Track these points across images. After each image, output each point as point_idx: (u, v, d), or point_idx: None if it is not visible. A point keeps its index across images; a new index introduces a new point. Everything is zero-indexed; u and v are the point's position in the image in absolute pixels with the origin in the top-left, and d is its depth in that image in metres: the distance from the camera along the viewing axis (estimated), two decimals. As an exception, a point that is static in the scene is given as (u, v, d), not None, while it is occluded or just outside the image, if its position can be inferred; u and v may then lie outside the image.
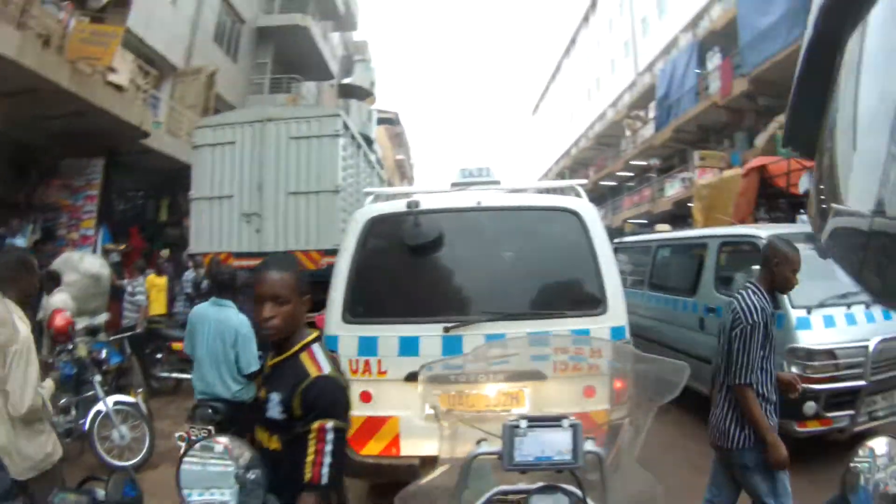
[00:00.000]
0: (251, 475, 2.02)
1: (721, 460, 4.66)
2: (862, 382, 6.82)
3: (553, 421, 2.09)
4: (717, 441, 4.68)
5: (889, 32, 0.93)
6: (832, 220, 1.18)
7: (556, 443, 2.06)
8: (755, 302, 4.43)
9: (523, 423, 2.07)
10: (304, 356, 2.97)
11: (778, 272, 4.56)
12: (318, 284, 8.50)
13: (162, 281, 13.90)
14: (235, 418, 6.34)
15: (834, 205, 1.12)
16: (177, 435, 6.32)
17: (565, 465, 2.06)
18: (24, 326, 4.26)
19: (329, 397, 2.81)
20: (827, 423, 6.86)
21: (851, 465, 2.05)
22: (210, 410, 6.37)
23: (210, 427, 6.09)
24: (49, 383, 4.78)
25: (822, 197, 1.23)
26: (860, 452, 2.07)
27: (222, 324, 6.57)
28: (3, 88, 12.43)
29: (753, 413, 4.37)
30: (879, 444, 2.09)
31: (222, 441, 2.06)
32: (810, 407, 6.75)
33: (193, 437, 5.94)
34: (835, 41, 1.17)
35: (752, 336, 4.33)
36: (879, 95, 0.94)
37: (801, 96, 1.46)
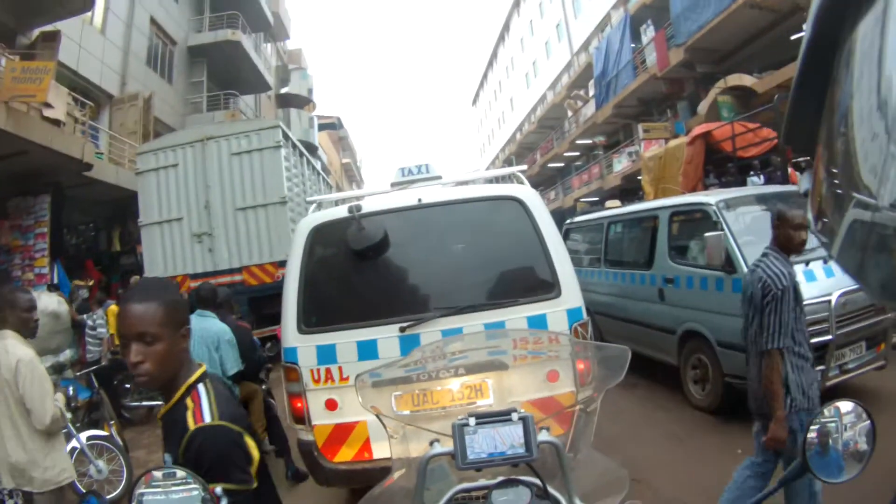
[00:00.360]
0: (213, 500, 1.99)
1: (765, 428, 4.67)
2: (829, 337, 6.87)
3: (502, 415, 2.09)
4: (758, 409, 4.72)
5: (889, 32, 0.95)
6: (851, 211, 1.19)
7: (507, 437, 2.06)
8: (780, 268, 4.47)
9: (472, 421, 2.07)
10: (188, 402, 2.39)
11: (781, 233, 4.61)
12: (275, 297, 8.59)
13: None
14: None
15: (853, 193, 1.13)
16: None
17: (519, 459, 2.06)
18: (24, 350, 4.83)
19: (212, 454, 2.26)
20: (797, 380, 6.90)
21: (811, 427, 2.07)
22: None
23: None
24: (60, 396, 5.12)
25: (831, 192, 1.25)
26: (825, 413, 2.09)
27: (206, 331, 6.88)
28: (-58, 136, 12.18)
29: (774, 381, 4.41)
30: (844, 406, 2.12)
31: (184, 469, 2.02)
32: (779, 367, 6.80)
33: None
34: (834, 41, 1.19)
35: (783, 301, 4.37)
36: (879, 95, 0.97)
37: (801, 96, 1.48)
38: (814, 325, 6.76)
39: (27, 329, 5.04)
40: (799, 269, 6.90)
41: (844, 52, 1.14)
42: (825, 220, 1.30)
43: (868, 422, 2.12)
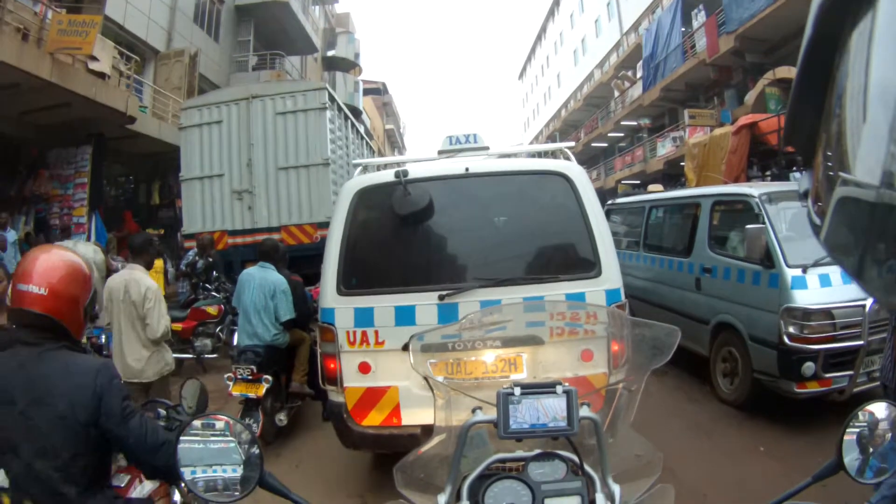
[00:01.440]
0: (254, 450, 1.99)
1: None
2: (860, 342, 6.72)
3: (547, 387, 2.05)
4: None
5: (889, 31, 0.91)
6: (829, 223, 1.16)
7: (550, 409, 2.03)
8: None
9: (517, 391, 2.04)
10: None
11: None
12: (313, 258, 8.69)
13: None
14: (272, 360, 7.59)
15: (842, 177, 1.10)
16: (225, 376, 7.30)
17: (560, 432, 2.03)
18: (150, 280, 6.69)
19: None
20: (826, 383, 6.82)
21: (848, 429, 2.03)
22: (252, 354, 7.37)
23: (252, 366, 7.15)
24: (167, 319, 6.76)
25: (829, 174, 1.21)
26: (859, 416, 2.05)
27: (265, 280, 7.69)
28: (-15, 85, 12.32)
29: None
30: (879, 409, 2.08)
31: (223, 418, 2.02)
32: (809, 368, 6.72)
33: (239, 376, 7.13)
34: (835, 40, 1.15)
35: None
36: (879, 95, 0.92)
37: (801, 96, 1.44)
38: (846, 330, 6.72)
39: (149, 266, 7.17)
40: (836, 271, 6.80)
41: (844, 52, 1.10)
42: (819, 216, 1.26)
43: None
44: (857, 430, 2.04)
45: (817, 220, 1.29)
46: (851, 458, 1.99)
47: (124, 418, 2.82)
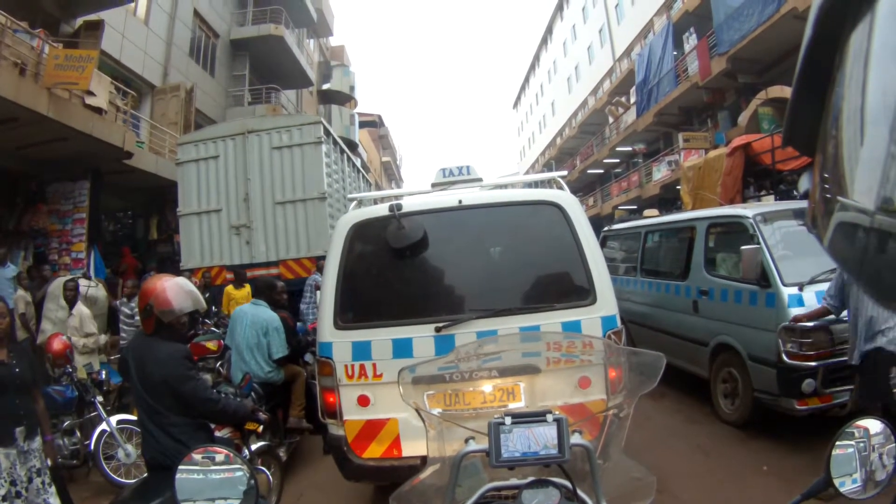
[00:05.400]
0: (251, 482, 2.01)
1: None
2: None
3: (538, 416, 2.08)
4: None
5: (889, 31, 0.94)
6: (837, 214, 1.18)
7: (542, 437, 2.06)
8: None
9: (508, 420, 2.07)
10: None
11: None
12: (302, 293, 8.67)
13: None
14: (269, 396, 7.60)
15: (840, 198, 1.12)
16: None
17: (552, 460, 2.07)
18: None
19: None
20: (826, 399, 6.82)
21: (837, 444, 2.04)
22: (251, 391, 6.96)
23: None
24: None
25: (826, 195, 1.24)
26: (850, 433, 2.06)
27: (257, 318, 7.72)
28: (-17, 120, 12.37)
29: None
30: (869, 425, 2.09)
31: (223, 450, 2.05)
32: (809, 384, 6.72)
33: None
34: (834, 41, 1.18)
35: None
36: (880, 95, 0.95)
37: (801, 96, 1.47)
38: (844, 345, 6.64)
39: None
40: None
41: (844, 51, 1.13)
42: (819, 216, 1.28)
43: (895, 441, 2.10)
44: (847, 445, 2.05)
45: (812, 230, 1.32)
46: (841, 473, 2.00)
47: (183, 382, 4.39)
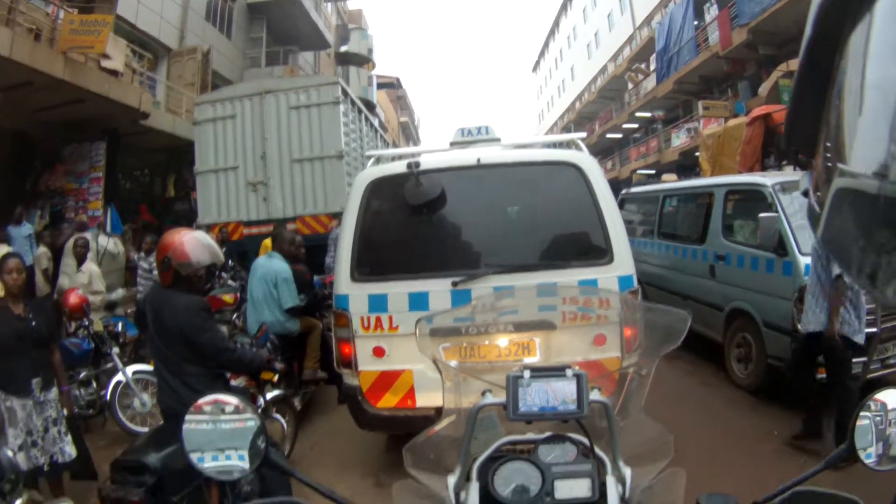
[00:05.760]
0: (260, 430, 1.98)
1: None
2: (874, 329, 6.66)
3: (557, 371, 2.05)
4: None
5: (889, 31, 0.93)
6: (830, 220, 1.18)
7: (560, 392, 2.02)
8: None
9: (527, 374, 2.03)
10: None
11: None
12: (326, 247, 8.76)
13: None
14: (285, 348, 7.59)
15: (840, 168, 1.12)
16: None
17: (570, 415, 2.03)
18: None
19: None
20: (839, 369, 6.78)
21: (861, 416, 2.02)
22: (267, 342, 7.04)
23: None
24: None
25: (819, 197, 1.23)
26: (871, 405, 2.03)
27: (268, 269, 7.86)
28: (-1, 84, 12.43)
29: None
30: (890, 397, 2.06)
31: (232, 399, 2.03)
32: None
33: None
34: (835, 40, 1.16)
35: None
36: (880, 94, 0.94)
37: (801, 96, 1.46)
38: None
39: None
40: None
41: (845, 51, 1.12)
42: (820, 206, 1.28)
43: None
44: (870, 417, 2.03)
45: (817, 209, 1.30)
46: (864, 444, 1.98)
47: (200, 332, 4.51)
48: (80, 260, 9.81)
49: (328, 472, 6.22)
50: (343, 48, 39.74)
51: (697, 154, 20.73)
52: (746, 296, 7.99)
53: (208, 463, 1.95)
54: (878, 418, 2.02)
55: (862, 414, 2.00)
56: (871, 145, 0.92)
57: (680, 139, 30.59)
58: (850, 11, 1.06)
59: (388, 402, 5.54)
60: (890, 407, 2.03)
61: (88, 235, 11.49)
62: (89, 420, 7.74)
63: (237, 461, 1.94)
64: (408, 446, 2.29)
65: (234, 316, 9.98)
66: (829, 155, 1.21)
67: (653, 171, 32.94)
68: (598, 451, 2.16)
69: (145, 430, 7.21)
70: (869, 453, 1.97)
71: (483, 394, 2.18)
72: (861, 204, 0.97)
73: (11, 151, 16.09)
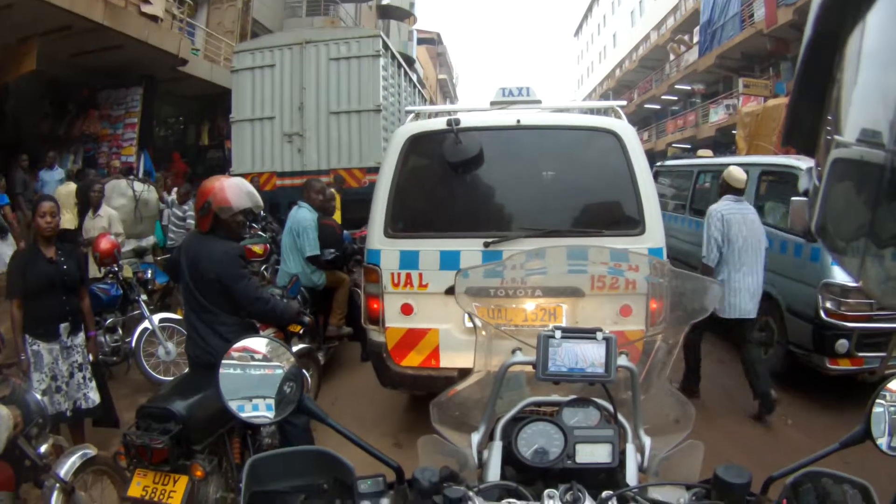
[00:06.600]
0: (294, 373, 1.98)
1: None
2: (893, 325, 6.67)
3: (588, 333, 2.08)
4: None
5: (889, 31, 0.94)
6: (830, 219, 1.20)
7: (589, 355, 2.05)
8: None
9: (558, 334, 2.06)
10: None
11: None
12: (360, 202, 8.80)
13: None
14: (311, 302, 7.59)
15: (836, 140, 1.14)
16: None
17: (598, 378, 2.06)
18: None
19: None
20: (858, 362, 6.77)
21: (877, 401, 2.03)
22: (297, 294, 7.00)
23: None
24: None
25: (820, 196, 1.25)
26: (886, 395, 2.04)
27: (294, 220, 7.92)
28: (37, 28, 12.51)
29: None
30: None
31: (263, 341, 2.04)
32: (842, 345, 6.67)
33: None
34: (835, 40, 1.17)
35: None
36: (880, 94, 0.96)
37: (801, 95, 1.46)
38: (882, 311, 6.65)
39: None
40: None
41: (844, 51, 1.13)
42: (819, 213, 1.29)
43: None
44: (885, 406, 2.04)
45: (816, 182, 1.32)
46: (879, 433, 1.99)
47: (236, 280, 4.57)
48: (97, 205, 9.86)
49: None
50: (385, 1, 39.46)
51: (734, 132, 20.47)
52: (773, 279, 7.86)
53: (247, 411, 1.98)
54: (893, 408, 2.04)
55: (877, 402, 2.02)
56: (863, 115, 0.94)
57: (718, 115, 30.29)
58: (850, 12, 1.07)
59: (412, 360, 5.59)
60: (891, 398, 2.04)
61: (123, 181, 11.54)
62: (113, 367, 7.80)
63: (267, 409, 1.97)
64: (434, 402, 2.33)
65: (263, 267, 10.05)
66: (828, 128, 1.23)
67: (689, 146, 32.63)
68: (620, 417, 2.19)
69: (169, 379, 7.29)
70: (881, 443, 1.98)
71: (513, 352, 2.22)
72: (853, 193, 0.99)
73: (47, 96, 16.21)
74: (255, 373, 2.01)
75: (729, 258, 6.91)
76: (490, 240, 5.37)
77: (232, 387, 1.98)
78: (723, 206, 7.06)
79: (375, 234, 5.62)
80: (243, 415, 1.97)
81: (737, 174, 7.16)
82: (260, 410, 1.98)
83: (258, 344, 2.03)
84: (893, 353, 6.68)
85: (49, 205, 5.49)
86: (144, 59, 15.27)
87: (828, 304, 6.77)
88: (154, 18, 14.92)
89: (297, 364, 2.03)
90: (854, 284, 6.68)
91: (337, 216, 11.58)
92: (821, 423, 6.60)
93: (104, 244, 7.85)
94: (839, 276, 6.78)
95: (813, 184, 1.46)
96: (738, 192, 7.15)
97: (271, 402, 1.97)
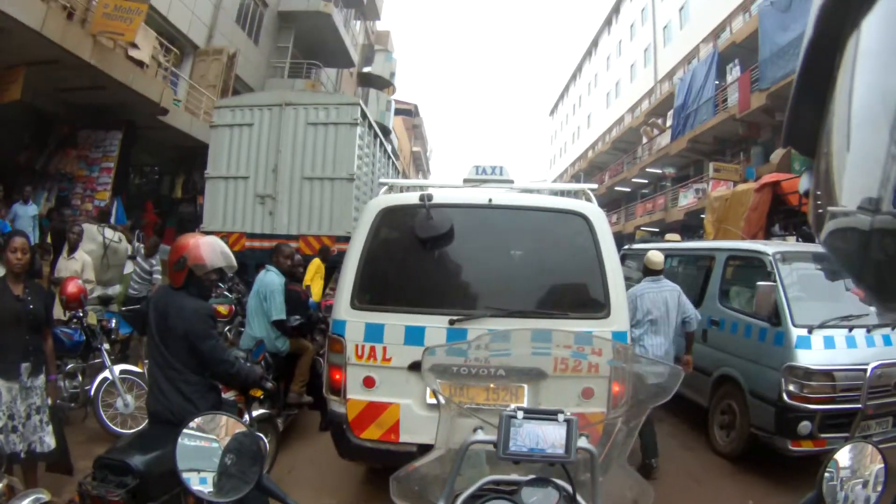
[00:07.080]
0: (254, 451, 2.00)
1: None
2: (858, 406, 6.74)
3: (549, 414, 2.10)
4: None
5: (889, 32, 0.98)
6: (829, 222, 1.23)
7: (550, 436, 2.07)
8: None
9: (520, 414, 2.08)
10: None
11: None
12: (328, 270, 8.68)
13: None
14: (277, 367, 7.62)
15: (830, 208, 1.17)
16: None
17: (558, 459, 2.08)
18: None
19: None
20: (820, 444, 6.82)
21: (828, 467, 2.09)
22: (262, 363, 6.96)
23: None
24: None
25: (820, 199, 1.29)
26: (837, 457, 2.12)
27: (262, 283, 7.81)
28: (25, 58, 12.54)
29: None
30: (855, 450, 2.16)
31: (225, 417, 2.04)
32: (805, 427, 6.74)
33: None
34: (835, 41, 1.21)
35: None
36: (880, 95, 0.99)
37: (801, 96, 1.51)
38: (845, 392, 6.77)
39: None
40: (841, 334, 6.97)
41: (845, 52, 1.17)
42: (820, 212, 1.32)
43: (882, 464, 2.19)
44: (833, 473, 2.12)
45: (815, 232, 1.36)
46: (831, 495, 2.05)
47: (204, 339, 4.56)
48: (73, 247, 9.82)
49: (305, 498, 6.12)
50: (366, 69, 39.89)
51: (703, 216, 20.80)
52: (736, 363, 7.99)
53: (200, 484, 1.97)
54: (849, 464, 2.17)
55: (828, 469, 2.13)
56: (857, 180, 0.97)
57: (687, 199, 30.76)
58: (851, 13, 1.11)
59: (372, 433, 5.50)
60: (841, 465, 2.17)
61: (94, 227, 11.49)
62: (70, 413, 7.66)
63: (230, 473, 1.96)
64: (395, 475, 2.33)
65: (227, 328, 9.99)
66: (819, 193, 1.26)
67: (657, 230, 33.05)
68: (579, 498, 2.20)
69: (125, 431, 7.28)
70: (836, 501, 2.07)
71: (475, 430, 2.23)
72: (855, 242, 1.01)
73: (28, 128, 16.21)
74: (214, 447, 2.02)
75: (647, 327, 7.34)
76: (455, 317, 5.35)
77: (189, 457, 2.00)
78: (638, 287, 7.71)
79: (342, 305, 5.58)
80: (195, 488, 1.99)
81: (654, 258, 7.87)
82: (214, 488, 1.99)
83: (221, 420, 2.03)
84: (856, 434, 6.75)
85: (21, 241, 5.48)
86: (126, 104, 15.28)
87: (790, 387, 6.85)
88: (140, 64, 15.00)
89: (259, 445, 2.05)
90: (818, 367, 6.84)
91: (318, 284, 11.58)
92: (780, 501, 6.62)
93: (72, 287, 7.81)
94: (803, 359, 6.90)
95: (813, 195, 1.49)
96: (656, 273, 7.82)
97: (227, 478, 1.99)
